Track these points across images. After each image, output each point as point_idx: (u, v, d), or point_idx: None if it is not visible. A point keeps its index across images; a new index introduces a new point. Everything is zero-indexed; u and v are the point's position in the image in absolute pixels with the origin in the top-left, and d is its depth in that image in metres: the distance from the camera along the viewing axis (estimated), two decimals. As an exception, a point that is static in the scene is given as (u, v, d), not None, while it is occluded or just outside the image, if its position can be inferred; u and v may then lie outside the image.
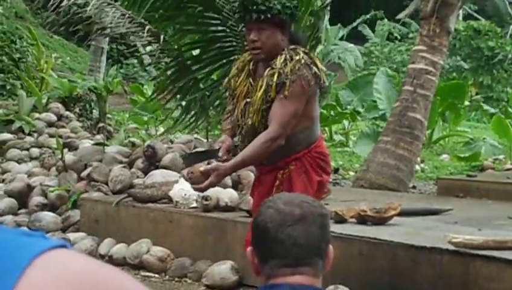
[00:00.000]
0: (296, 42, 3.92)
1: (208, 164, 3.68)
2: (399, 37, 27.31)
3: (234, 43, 7.22)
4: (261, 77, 3.84)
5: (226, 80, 4.12)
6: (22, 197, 7.27)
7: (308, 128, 3.85)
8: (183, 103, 7.80)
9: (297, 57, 3.77)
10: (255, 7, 3.80)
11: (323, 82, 3.85)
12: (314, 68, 3.78)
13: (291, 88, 3.70)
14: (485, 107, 18.99)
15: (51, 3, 6.68)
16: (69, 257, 0.76)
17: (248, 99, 3.86)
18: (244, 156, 3.72)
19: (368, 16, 26.15)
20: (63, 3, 6.60)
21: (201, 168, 3.58)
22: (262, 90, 3.77)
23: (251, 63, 3.97)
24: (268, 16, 3.78)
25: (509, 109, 15.76)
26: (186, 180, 3.73)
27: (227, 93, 4.20)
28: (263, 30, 3.80)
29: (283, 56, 3.78)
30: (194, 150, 3.97)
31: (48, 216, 6.77)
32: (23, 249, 0.74)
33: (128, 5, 7.43)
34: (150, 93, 13.79)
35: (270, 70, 3.78)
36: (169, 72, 7.63)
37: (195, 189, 3.76)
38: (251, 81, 3.91)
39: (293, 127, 3.77)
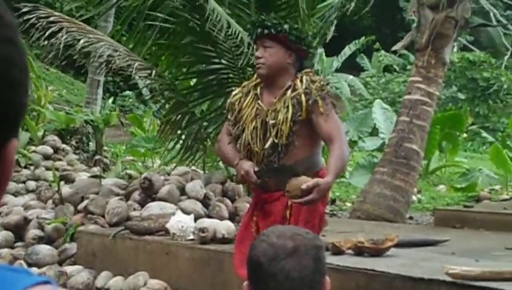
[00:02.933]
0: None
1: (280, 179, 3.69)
2: (396, 68, 27.46)
3: (231, 75, 7.26)
4: (275, 99, 3.89)
5: (228, 102, 4.17)
6: (18, 230, 7.24)
7: (317, 153, 3.92)
8: (182, 136, 7.81)
9: (316, 79, 3.87)
10: (261, 22, 3.95)
11: (336, 106, 3.94)
12: (331, 91, 3.90)
13: (326, 105, 3.80)
14: (484, 134, 19.03)
15: (46, 35, 6.72)
16: None
17: (271, 121, 3.88)
18: (337, 168, 3.72)
19: (361, 42, 26.18)
20: (62, 38, 6.65)
21: (303, 186, 3.54)
22: (290, 111, 3.81)
23: (258, 88, 4.03)
24: (273, 31, 3.87)
25: (507, 139, 15.78)
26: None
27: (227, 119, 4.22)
28: (268, 48, 3.92)
29: (303, 78, 3.86)
30: (266, 167, 3.89)
31: (44, 249, 6.74)
32: (8, 285, 0.74)
33: (127, 41, 7.52)
34: (147, 125, 13.85)
35: (293, 92, 3.83)
36: (167, 106, 7.66)
37: (297, 203, 3.66)
38: (260, 103, 3.95)
39: (307, 151, 3.83)
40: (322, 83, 3.88)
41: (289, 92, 3.85)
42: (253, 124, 3.93)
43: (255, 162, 3.95)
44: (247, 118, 3.98)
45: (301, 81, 3.87)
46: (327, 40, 7.71)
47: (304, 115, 3.81)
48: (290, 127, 3.81)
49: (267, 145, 3.85)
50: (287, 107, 3.82)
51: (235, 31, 6.44)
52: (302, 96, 3.81)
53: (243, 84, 4.22)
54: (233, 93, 4.18)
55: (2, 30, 0.75)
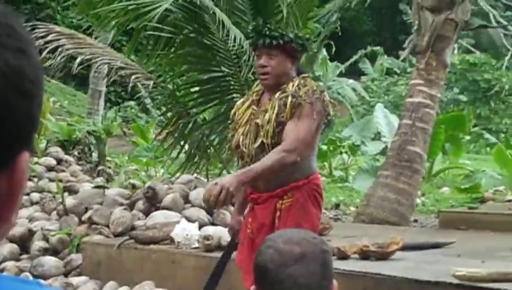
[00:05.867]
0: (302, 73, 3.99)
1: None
2: (397, 72, 27.50)
3: (232, 82, 7.26)
4: (269, 100, 3.88)
5: (232, 111, 4.17)
6: (23, 242, 7.24)
7: (309, 158, 3.86)
8: (185, 145, 7.81)
9: (309, 84, 3.84)
10: (268, 32, 3.88)
11: (330, 113, 3.88)
12: (325, 98, 3.84)
13: (307, 110, 3.76)
14: (486, 136, 19.03)
15: (48, 49, 6.75)
16: None
17: (257, 120, 3.88)
18: (258, 166, 3.66)
19: (364, 52, 26.37)
20: (58, 56, 6.70)
21: (211, 198, 3.55)
22: (275, 111, 3.80)
23: (254, 94, 4.03)
24: (281, 42, 3.86)
25: (511, 140, 15.79)
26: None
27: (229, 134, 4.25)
28: (273, 56, 3.89)
29: (295, 82, 3.84)
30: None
31: (50, 261, 6.74)
32: None
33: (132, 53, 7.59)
34: (150, 134, 13.86)
35: (281, 94, 3.82)
36: (169, 114, 7.67)
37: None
38: (254, 108, 3.96)
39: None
40: (314, 88, 3.84)
41: (278, 93, 3.85)
42: (246, 126, 3.94)
43: (245, 163, 3.94)
44: (240, 121, 4.00)
45: (293, 84, 3.86)
46: (333, 49, 7.75)
47: (287, 116, 3.78)
48: (273, 127, 3.79)
49: (255, 145, 3.84)
50: (274, 107, 3.82)
51: (235, 39, 6.44)
52: (289, 98, 3.79)
53: (248, 93, 4.23)
54: (237, 104, 4.20)
55: (13, 42, 0.76)
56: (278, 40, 3.87)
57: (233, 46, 6.64)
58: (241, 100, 4.20)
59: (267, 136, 3.82)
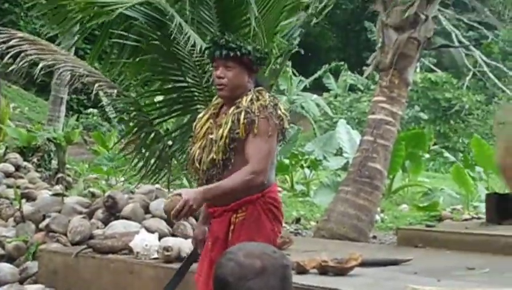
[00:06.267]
0: (260, 86, 3.98)
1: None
2: (360, 88, 27.73)
3: (196, 93, 7.25)
4: (225, 114, 3.87)
5: (194, 123, 4.15)
6: (-22, 248, 7.14)
7: None
8: (146, 154, 7.77)
9: (263, 98, 3.82)
10: (225, 43, 3.86)
11: (284, 126, 3.87)
12: (279, 111, 3.83)
13: (262, 126, 3.73)
14: (446, 154, 19.26)
15: (10, 55, 6.68)
16: None
17: (211, 136, 3.87)
18: (223, 184, 3.67)
19: (328, 67, 26.57)
20: (20, 62, 6.63)
21: (172, 212, 3.56)
22: (228, 127, 3.78)
23: (212, 107, 4.02)
24: (238, 54, 3.83)
25: (469, 159, 16.00)
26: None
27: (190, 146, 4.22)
28: (230, 68, 3.85)
29: (249, 96, 3.82)
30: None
31: (5, 267, 6.65)
32: None
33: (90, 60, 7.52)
34: (111, 143, 13.78)
35: (235, 109, 3.80)
36: (131, 124, 7.62)
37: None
38: (211, 121, 3.94)
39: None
40: (267, 102, 3.80)
41: (233, 108, 3.84)
42: (203, 141, 3.93)
43: (198, 179, 3.96)
44: (198, 135, 3.99)
45: (247, 98, 3.85)
46: (291, 52, 7.76)
47: (241, 133, 3.77)
48: (226, 144, 3.77)
49: (207, 160, 3.84)
50: (227, 123, 3.82)
51: (194, 46, 6.43)
52: (242, 114, 3.78)
53: (209, 106, 4.20)
54: (199, 116, 4.17)
55: None
56: (235, 51, 3.85)
57: (200, 56, 6.62)
58: (202, 113, 4.17)
59: (218, 152, 3.81)
